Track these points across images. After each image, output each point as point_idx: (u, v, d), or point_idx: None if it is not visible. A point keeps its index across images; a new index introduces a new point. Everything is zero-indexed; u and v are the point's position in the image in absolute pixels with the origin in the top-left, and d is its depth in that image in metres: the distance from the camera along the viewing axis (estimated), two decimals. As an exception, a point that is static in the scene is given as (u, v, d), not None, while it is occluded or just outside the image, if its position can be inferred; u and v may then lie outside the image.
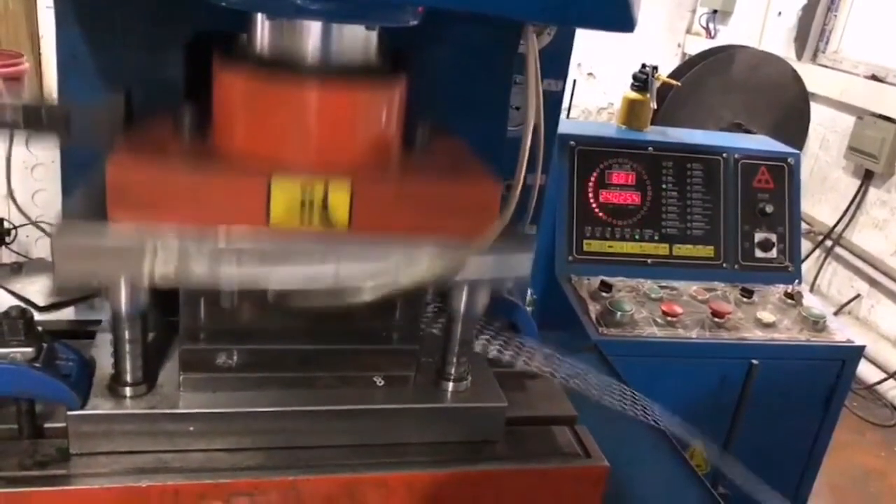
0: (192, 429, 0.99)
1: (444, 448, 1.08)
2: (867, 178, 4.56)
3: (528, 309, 1.34)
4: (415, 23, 0.93)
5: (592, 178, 2.46)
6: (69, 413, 0.95)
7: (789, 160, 2.63)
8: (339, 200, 0.92)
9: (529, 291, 2.01)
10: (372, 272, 0.94)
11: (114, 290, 0.92)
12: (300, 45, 0.93)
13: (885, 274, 4.38)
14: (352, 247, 0.94)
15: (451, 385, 1.10)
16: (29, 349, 0.93)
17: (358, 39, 0.96)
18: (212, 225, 0.90)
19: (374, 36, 0.98)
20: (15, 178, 1.13)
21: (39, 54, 4.58)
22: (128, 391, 0.99)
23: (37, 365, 0.93)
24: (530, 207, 1.25)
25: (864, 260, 4.54)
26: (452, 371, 1.10)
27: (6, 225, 1.48)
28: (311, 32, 0.93)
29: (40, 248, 1.59)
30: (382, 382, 1.09)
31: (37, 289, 1.35)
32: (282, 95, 0.92)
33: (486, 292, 1.06)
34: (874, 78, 4.60)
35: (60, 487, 0.92)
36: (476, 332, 1.14)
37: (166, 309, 1.04)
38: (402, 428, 1.07)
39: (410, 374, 1.11)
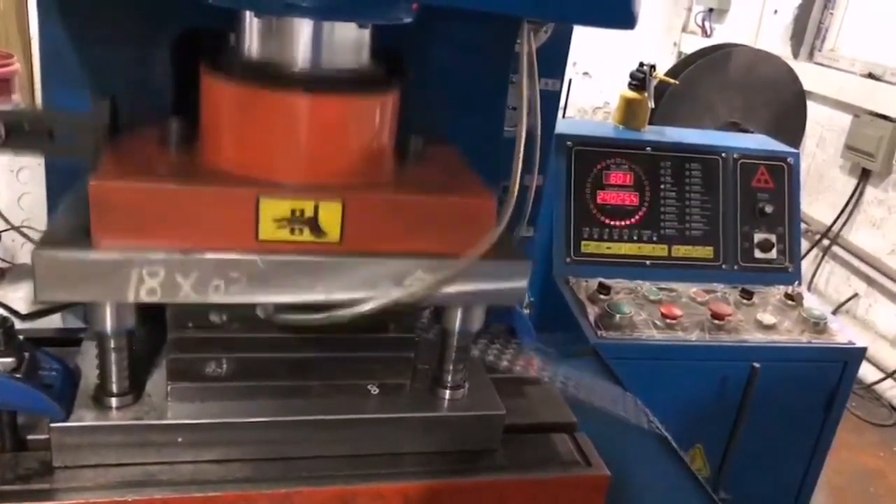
0: (180, 440, 0.96)
1: (441, 458, 1.05)
2: (864, 176, 4.55)
3: (526, 311, 1.32)
4: (409, 20, 0.90)
5: (590, 179, 2.44)
6: (52, 425, 0.92)
7: (789, 160, 2.61)
8: (331, 220, 0.90)
9: (527, 294, 1.99)
10: (364, 288, 0.92)
11: (98, 315, 0.90)
12: (290, 53, 0.91)
13: (883, 273, 4.37)
14: (343, 263, 0.92)
15: (447, 393, 1.08)
16: (9, 359, 0.89)
17: (350, 46, 0.93)
18: (199, 244, 0.87)
19: (366, 42, 0.95)
20: (-1, 181, 1.11)
21: (31, 55, 4.54)
22: (114, 402, 0.96)
23: (17, 375, 0.89)
24: (527, 209, 1.23)
25: (862, 259, 4.54)
26: (449, 378, 1.07)
27: (-11, 229, 1.45)
28: (302, 40, 0.90)
29: (25, 253, 1.56)
30: (377, 391, 1.06)
31: (20, 296, 1.32)
32: (271, 108, 0.90)
33: (482, 312, 1.04)
34: (871, 76, 4.59)
35: (43, 502, 0.89)
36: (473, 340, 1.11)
37: (153, 316, 1.01)
38: (398, 437, 1.04)
39: (406, 382, 1.08)
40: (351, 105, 0.92)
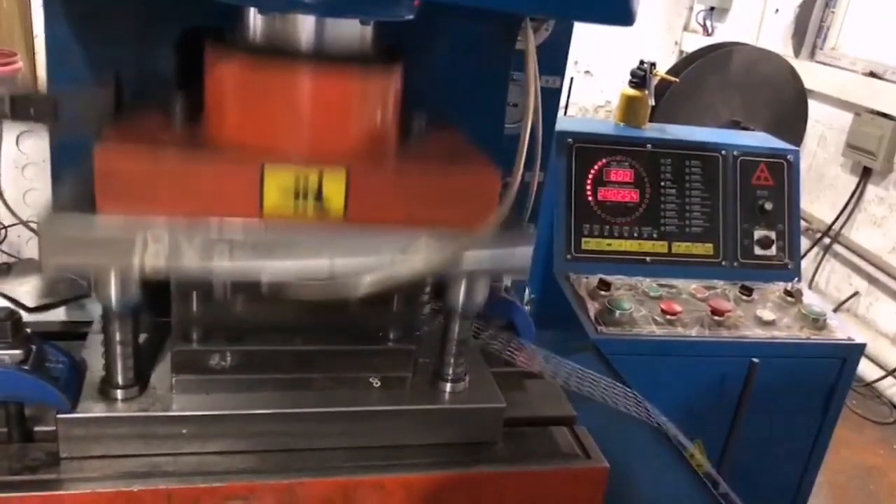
0: (185, 431, 0.98)
1: (442, 450, 1.06)
2: (865, 175, 4.55)
3: (526, 308, 1.33)
4: (410, 17, 0.91)
5: (590, 176, 2.45)
6: (59, 416, 0.93)
7: (789, 157, 2.61)
8: (335, 189, 0.90)
9: (527, 290, 1.99)
10: (368, 263, 0.92)
11: (103, 283, 0.90)
12: (294, 32, 0.91)
13: (884, 271, 4.37)
14: (347, 237, 0.92)
15: (448, 385, 1.09)
16: (17, 351, 0.91)
17: (353, 27, 0.94)
18: (204, 214, 0.88)
19: (369, 27, 0.96)
20: (5, 177, 1.11)
21: (34, 53, 4.54)
22: (119, 393, 0.97)
23: (25, 367, 0.91)
24: (528, 205, 1.24)
25: (863, 257, 4.53)
26: (450, 371, 1.09)
27: (-5, 225, 1.46)
28: (306, 20, 0.91)
29: (31, 248, 1.57)
30: (379, 383, 1.07)
31: (26, 290, 1.33)
32: (275, 82, 0.90)
33: (486, 284, 1.04)
34: (872, 75, 4.59)
35: (50, 492, 0.90)
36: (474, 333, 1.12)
37: (158, 309, 1.02)
38: (399, 429, 1.05)
39: (407, 375, 1.09)
40: (355, 79, 0.92)
